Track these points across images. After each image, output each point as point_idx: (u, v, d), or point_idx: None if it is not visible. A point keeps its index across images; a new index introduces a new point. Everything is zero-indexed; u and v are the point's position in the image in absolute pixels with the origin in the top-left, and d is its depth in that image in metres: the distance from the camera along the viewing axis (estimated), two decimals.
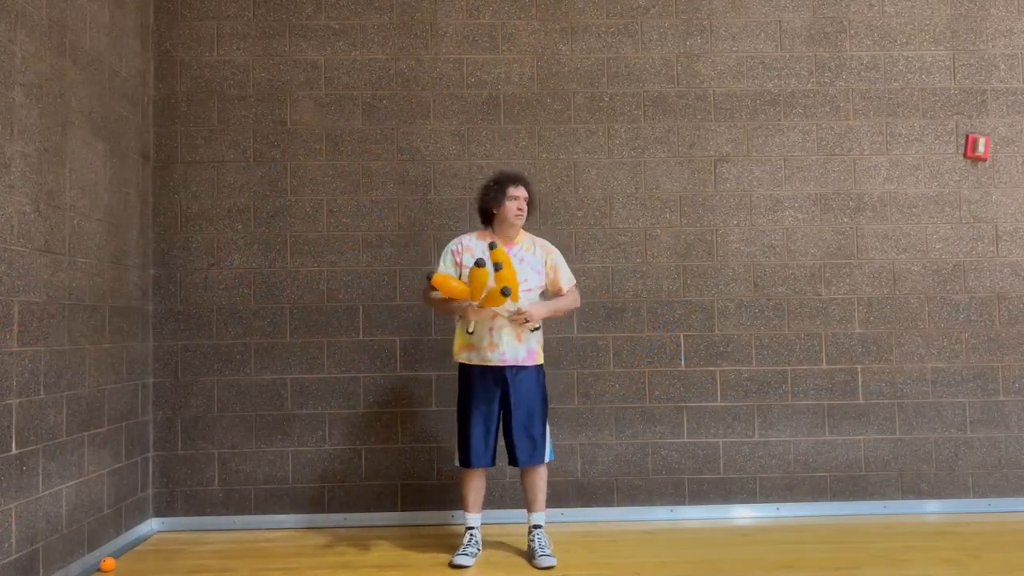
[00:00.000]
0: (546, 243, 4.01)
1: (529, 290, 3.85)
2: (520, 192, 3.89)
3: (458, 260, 3.88)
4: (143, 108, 4.59)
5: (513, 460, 3.88)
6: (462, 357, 3.89)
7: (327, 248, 4.69)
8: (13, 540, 3.22)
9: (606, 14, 4.82)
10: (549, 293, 3.99)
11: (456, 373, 4.06)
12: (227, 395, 4.62)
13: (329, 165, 4.72)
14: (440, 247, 4.67)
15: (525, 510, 4.06)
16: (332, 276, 4.68)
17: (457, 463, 3.93)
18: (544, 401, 3.92)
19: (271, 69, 4.73)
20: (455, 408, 4.62)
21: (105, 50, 4.13)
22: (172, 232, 4.66)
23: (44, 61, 3.53)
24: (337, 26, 4.76)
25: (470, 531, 3.96)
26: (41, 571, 3.43)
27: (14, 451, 3.23)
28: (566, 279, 3.98)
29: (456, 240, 3.95)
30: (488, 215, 3.94)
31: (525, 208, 3.90)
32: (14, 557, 3.23)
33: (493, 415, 3.86)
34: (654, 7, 4.84)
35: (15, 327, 3.26)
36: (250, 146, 4.71)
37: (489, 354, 3.81)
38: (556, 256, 3.98)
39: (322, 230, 4.70)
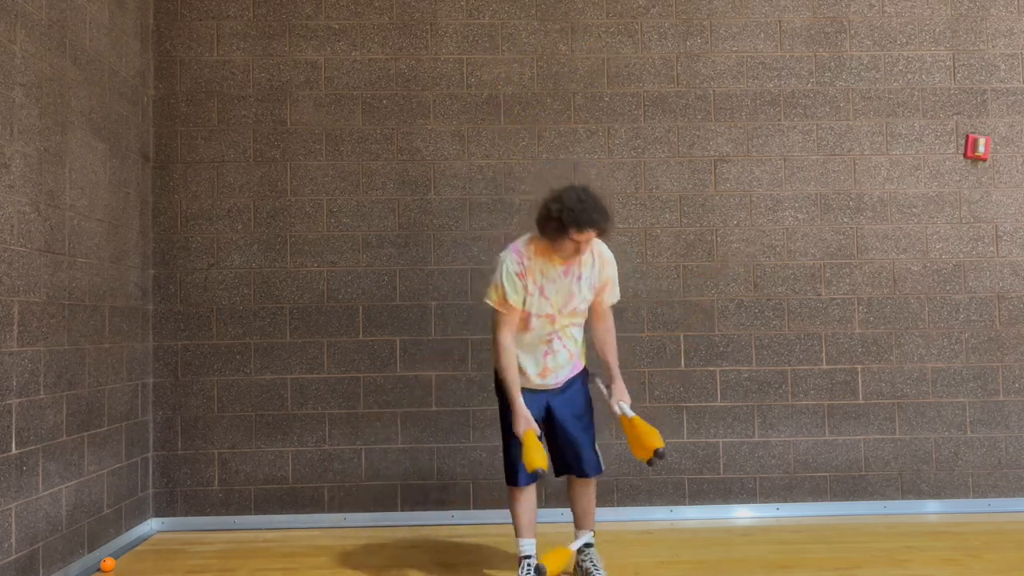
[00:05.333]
0: (606, 253, 3.48)
1: (575, 311, 3.45)
2: (586, 236, 3.23)
3: (524, 283, 3.34)
4: (143, 108, 4.59)
5: (574, 470, 3.50)
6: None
7: (327, 248, 4.69)
8: (13, 540, 3.22)
9: (606, 14, 4.82)
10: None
11: (491, 380, 3.68)
12: (227, 395, 4.62)
13: (329, 165, 4.72)
14: (440, 247, 4.69)
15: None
16: (332, 276, 4.68)
17: (505, 482, 3.52)
18: (591, 408, 3.56)
19: (271, 69, 4.73)
20: (457, 409, 4.65)
21: (105, 50, 4.13)
22: (172, 232, 4.66)
23: (44, 61, 3.53)
24: (337, 26, 4.76)
25: (526, 560, 3.43)
26: (41, 571, 3.43)
27: (14, 451, 3.23)
28: (612, 296, 3.53)
29: (513, 258, 3.36)
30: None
31: (586, 247, 3.31)
32: (14, 557, 3.23)
33: (539, 426, 3.45)
34: (654, 7, 4.84)
35: (15, 327, 3.26)
36: (250, 146, 4.71)
37: (540, 380, 3.45)
38: (612, 269, 3.49)
39: (322, 230, 4.70)
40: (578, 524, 3.61)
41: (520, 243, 3.41)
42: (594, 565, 3.53)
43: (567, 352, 3.49)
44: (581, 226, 3.18)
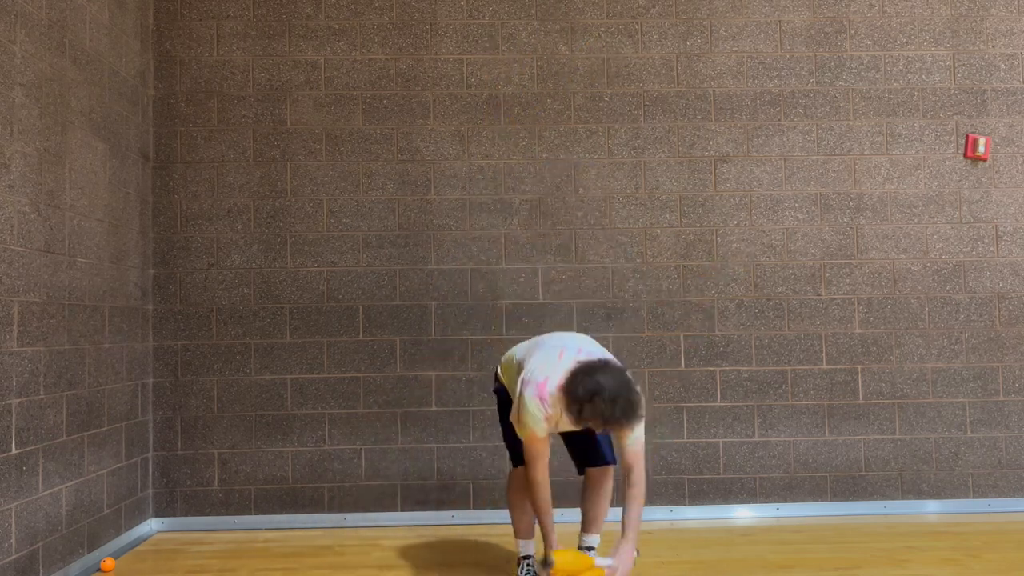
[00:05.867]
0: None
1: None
2: (603, 429, 3.09)
3: (548, 427, 3.19)
4: (143, 108, 4.59)
5: (592, 460, 3.42)
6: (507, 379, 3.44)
7: (327, 248, 4.69)
8: (13, 540, 3.22)
9: (606, 14, 4.82)
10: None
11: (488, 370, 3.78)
12: (227, 395, 4.62)
13: (329, 165, 4.72)
14: (440, 247, 4.68)
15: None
16: (332, 276, 4.68)
17: (511, 464, 3.49)
18: None
19: (271, 69, 4.73)
20: (458, 409, 4.65)
21: (105, 50, 4.13)
22: (172, 232, 4.67)
23: (44, 61, 3.53)
24: (337, 26, 4.76)
25: (525, 561, 3.40)
26: (41, 571, 3.43)
27: (14, 451, 3.23)
28: (633, 443, 3.21)
29: (538, 405, 3.13)
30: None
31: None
32: (14, 557, 3.23)
33: None
34: (654, 7, 4.84)
35: (15, 327, 3.26)
36: (250, 146, 4.71)
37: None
38: (632, 435, 3.22)
39: (322, 230, 4.70)
40: (585, 528, 3.52)
41: (547, 389, 3.14)
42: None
43: None
44: (607, 425, 3.02)
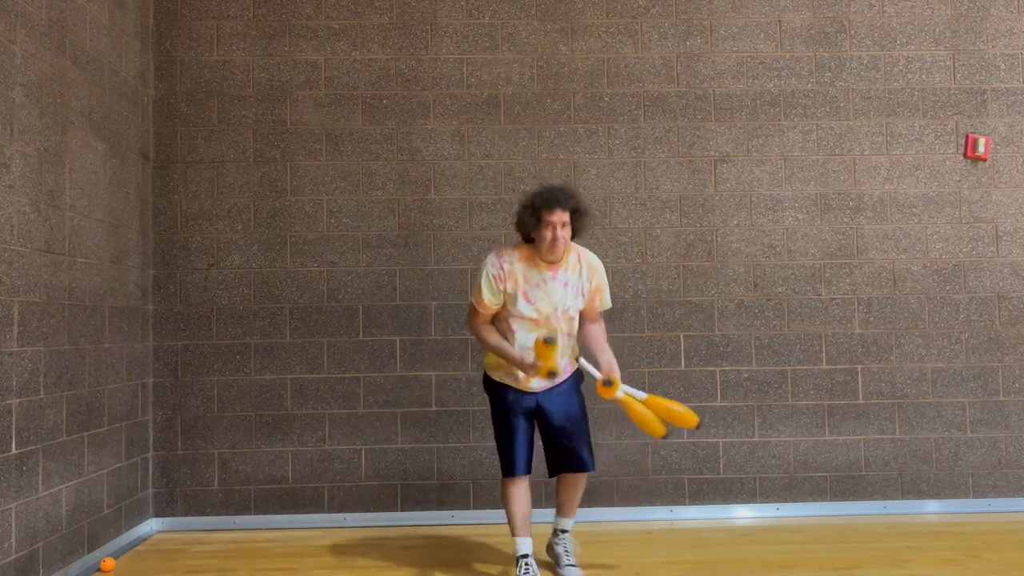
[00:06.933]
0: (593, 261, 3.58)
1: (571, 318, 3.55)
2: (556, 217, 3.35)
3: (502, 287, 3.45)
4: (143, 108, 4.59)
5: (569, 467, 3.54)
6: (497, 375, 3.60)
7: (327, 248, 4.69)
8: (13, 540, 3.22)
9: (606, 14, 4.82)
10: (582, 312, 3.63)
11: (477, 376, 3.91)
12: (227, 395, 4.62)
13: (329, 165, 4.72)
14: (440, 247, 4.69)
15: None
16: (332, 276, 4.68)
17: (502, 474, 3.58)
18: (584, 405, 3.63)
19: (271, 69, 4.73)
20: (457, 409, 4.65)
21: (105, 50, 4.13)
22: (172, 232, 4.66)
23: (44, 61, 3.53)
24: (337, 26, 4.76)
25: (524, 560, 3.47)
26: (41, 571, 3.43)
27: (14, 451, 3.23)
28: (603, 303, 3.61)
29: (495, 263, 3.47)
30: (528, 237, 3.50)
31: (562, 234, 3.38)
32: (14, 557, 3.23)
33: (530, 421, 3.58)
34: (654, 7, 4.84)
35: (15, 327, 3.26)
36: (250, 146, 4.71)
37: (524, 383, 3.53)
38: (602, 276, 3.59)
39: (322, 230, 4.70)
40: (561, 512, 3.67)
41: (506, 249, 3.54)
42: (566, 551, 3.62)
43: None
44: (550, 206, 3.35)
